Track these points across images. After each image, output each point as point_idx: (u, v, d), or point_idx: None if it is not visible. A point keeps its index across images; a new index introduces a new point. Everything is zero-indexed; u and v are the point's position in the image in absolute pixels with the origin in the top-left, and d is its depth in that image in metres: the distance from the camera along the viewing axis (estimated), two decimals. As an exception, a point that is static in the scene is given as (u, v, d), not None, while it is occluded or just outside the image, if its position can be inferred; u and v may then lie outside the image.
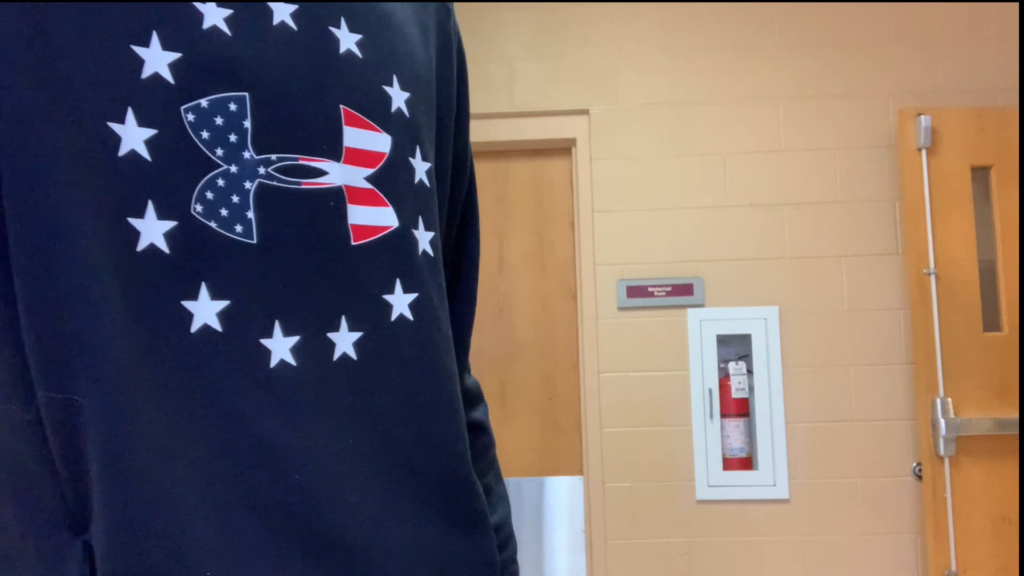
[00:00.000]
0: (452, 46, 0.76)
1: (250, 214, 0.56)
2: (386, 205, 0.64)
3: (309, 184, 0.59)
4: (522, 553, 3.15)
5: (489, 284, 3.25)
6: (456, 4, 3.22)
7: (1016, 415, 2.88)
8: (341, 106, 0.61)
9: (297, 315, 0.58)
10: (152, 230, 0.52)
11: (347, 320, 0.61)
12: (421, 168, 0.68)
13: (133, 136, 0.52)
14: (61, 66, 0.51)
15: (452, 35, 0.77)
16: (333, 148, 0.60)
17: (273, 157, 0.57)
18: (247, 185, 0.56)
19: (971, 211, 2.96)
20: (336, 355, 0.60)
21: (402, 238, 0.65)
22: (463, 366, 0.83)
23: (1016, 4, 3.13)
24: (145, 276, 0.52)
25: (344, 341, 0.61)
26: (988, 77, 3.12)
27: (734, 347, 3.13)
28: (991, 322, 2.97)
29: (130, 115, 0.52)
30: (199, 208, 0.54)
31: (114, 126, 0.51)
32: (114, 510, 0.51)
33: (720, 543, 3.02)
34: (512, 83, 3.20)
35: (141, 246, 0.52)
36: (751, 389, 3.09)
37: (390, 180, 0.64)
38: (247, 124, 0.56)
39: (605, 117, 3.18)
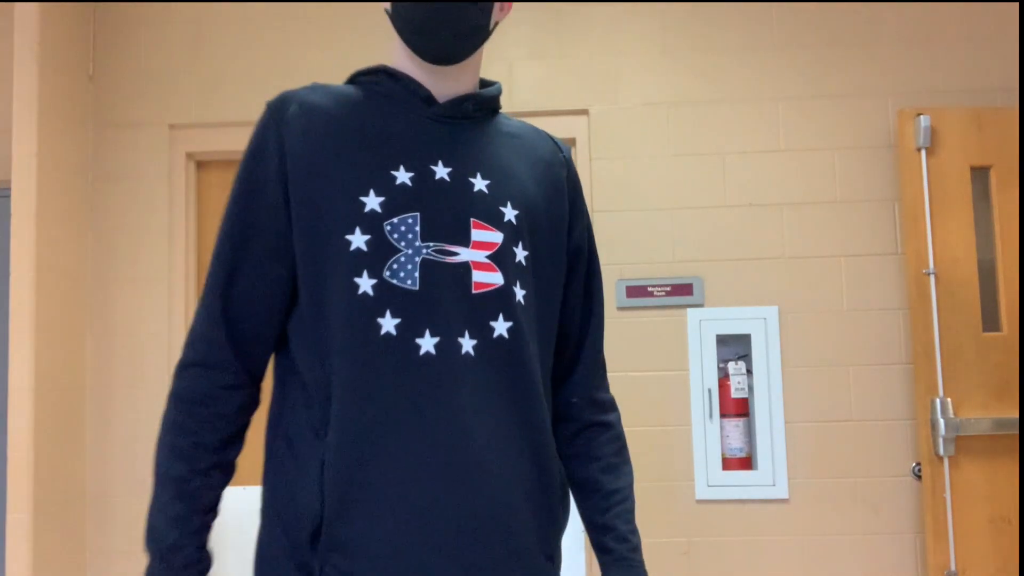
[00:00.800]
0: (564, 186, 1.29)
1: (416, 274, 1.11)
2: (497, 272, 1.16)
3: (450, 260, 1.13)
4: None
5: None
6: (456, 4, 3.22)
7: (1016, 415, 2.88)
8: (471, 218, 1.16)
9: (439, 326, 1.11)
10: (365, 284, 1.11)
11: (468, 332, 1.13)
12: (521, 254, 1.19)
13: (359, 240, 1.11)
14: (324, 208, 1.13)
15: (564, 179, 1.30)
16: (464, 240, 1.15)
17: (431, 244, 1.13)
18: (416, 259, 1.12)
19: (970, 211, 2.96)
20: (463, 351, 1.12)
21: (505, 291, 1.16)
22: (601, 383, 1.35)
23: (1016, 4, 3.13)
24: (360, 306, 1.10)
25: (467, 344, 1.13)
26: (988, 77, 3.12)
27: (734, 347, 3.13)
28: (990, 322, 2.97)
29: (357, 231, 1.11)
30: (387, 273, 1.11)
31: (348, 236, 1.11)
32: (336, 431, 1.10)
33: (719, 543, 3.02)
34: (512, 83, 3.20)
35: (360, 291, 1.11)
36: (751, 389, 3.09)
37: (501, 258, 1.16)
38: (418, 228, 1.13)
39: (605, 117, 3.18)
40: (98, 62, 3.27)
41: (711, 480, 3.03)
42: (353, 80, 1.27)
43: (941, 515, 2.87)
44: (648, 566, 3.02)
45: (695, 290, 3.08)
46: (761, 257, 3.10)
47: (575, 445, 1.31)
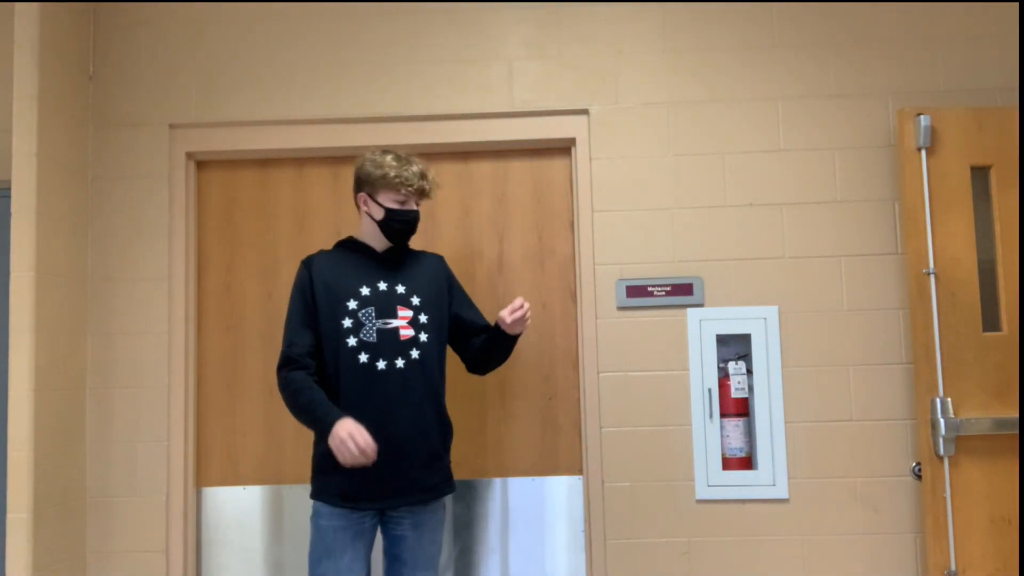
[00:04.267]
0: (443, 277, 2.77)
1: (374, 334, 2.58)
2: (410, 329, 2.61)
3: (390, 326, 2.59)
4: (522, 553, 3.15)
5: (489, 284, 3.24)
6: (456, 4, 3.23)
7: (1016, 415, 2.88)
8: (397, 306, 2.62)
9: (386, 356, 2.57)
10: (352, 342, 2.57)
11: (400, 358, 2.57)
12: (424, 318, 2.64)
13: (347, 323, 2.58)
14: (333, 307, 2.61)
15: (444, 274, 2.78)
16: (395, 316, 2.60)
17: (380, 320, 2.59)
18: (374, 328, 2.58)
19: (970, 211, 2.96)
20: (397, 367, 2.57)
21: (416, 338, 2.61)
22: (481, 320, 2.83)
23: (1016, 4, 3.13)
24: (351, 351, 2.56)
25: (401, 363, 2.57)
26: (988, 77, 3.12)
27: (734, 347, 3.13)
28: (991, 322, 2.97)
29: (347, 318, 2.58)
30: (362, 335, 2.57)
31: (343, 321, 2.58)
32: (344, 405, 2.54)
33: (719, 543, 3.02)
34: (512, 83, 3.21)
35: (350, 345, 2.57)
36: (751, 389, 3.09)
37: (413, 322, 2.62)
38: (373, 314, 2.59)
39: (605, 117, 3.18)
40: (98, 62, 3.27)
41: (711, 480, 3.03)
42: (339, 244, 2.75)
43: (941, 515, 2.88)
44: (648, 566, 3.02)
45: (695, 290, 3.08)
46: (761, 257, 3.10)
47: (477, 343, 2.76)
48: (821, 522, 3.02)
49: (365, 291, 2.60)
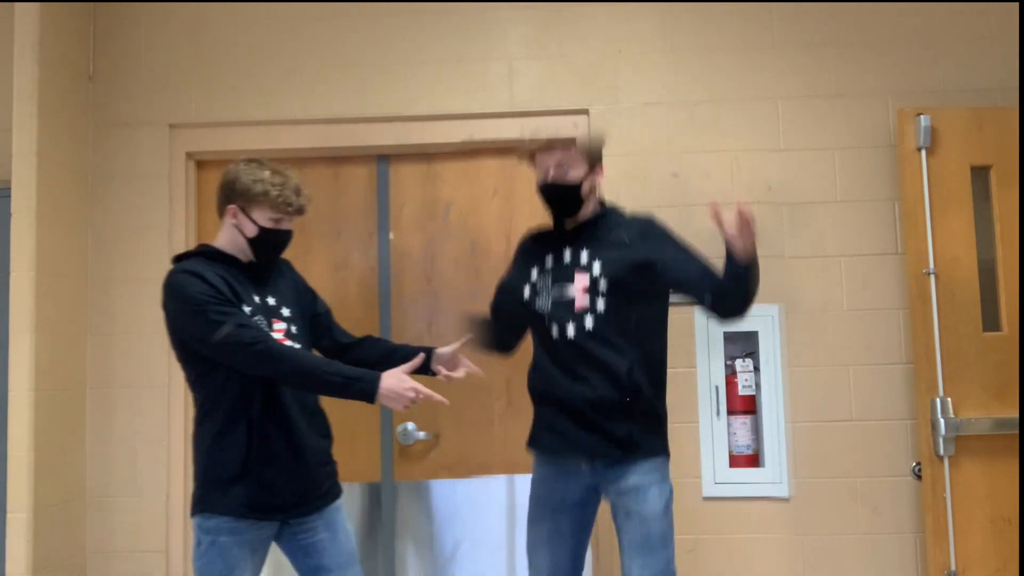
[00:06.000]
0: (297, 284, 2.61)
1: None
2: (288, 341, 2.40)
3: (277, 331, 2.43)
4: (522, 551, 3.14)
5: (492, 282, 3.23)
6: (456, 4, 3.24)
7: (1016, 415, 2.88)
8: (273, 319, 2.39)
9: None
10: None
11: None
12: (295, 329, 2.45)
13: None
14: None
15: (295, 280, 2.63)
16: (271, 330, 2.39)
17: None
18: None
19: (971, 211, 2.97)
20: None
21: (295, 336, 2.45)
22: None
23: (1016, 4, 3.14)
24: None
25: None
26: (988, 77, 3.13)
27: (741, 344, 3.12)
28: (991, 322, 2.97)
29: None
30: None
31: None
32: (249, 422, 2.33)
33: (726, 540, 3.02)
34: (512, 82, 3.21)
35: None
36: (758, 386, 3.08)
37: (288, 334, 2.42)
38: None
39: (605, 117, 3.18)
40: (98, 62, 3.26)
41: (718, 477, 3.02)
42: (198, 254, 2.45)
43: (941, 515, 2.88)
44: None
45: (700, 288, 3.08)
46: (761, 256, 3.09)
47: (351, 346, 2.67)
48: (821, 521, 3.02)
49: (246, 307, 2.37)
